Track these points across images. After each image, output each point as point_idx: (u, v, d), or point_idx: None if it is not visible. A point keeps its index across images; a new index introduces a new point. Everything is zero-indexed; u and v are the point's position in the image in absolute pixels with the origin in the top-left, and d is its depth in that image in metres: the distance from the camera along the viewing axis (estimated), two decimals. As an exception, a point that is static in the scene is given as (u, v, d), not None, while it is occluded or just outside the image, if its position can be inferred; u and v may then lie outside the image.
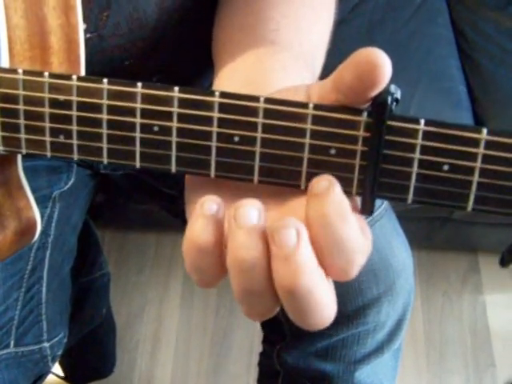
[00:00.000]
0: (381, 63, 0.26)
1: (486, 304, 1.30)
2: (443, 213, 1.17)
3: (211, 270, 0.29)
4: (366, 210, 0.30)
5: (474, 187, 0.28)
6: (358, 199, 0.31)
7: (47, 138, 0.32)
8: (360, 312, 0.62)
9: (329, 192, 0.27)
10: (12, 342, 0.58)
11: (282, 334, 0.68)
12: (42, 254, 0.62)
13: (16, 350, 0.58)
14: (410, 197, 0.29)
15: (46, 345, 0.61)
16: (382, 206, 0.63)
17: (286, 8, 0.43)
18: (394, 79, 0.28)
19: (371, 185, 0.29)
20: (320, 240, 0.27)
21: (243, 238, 0.27)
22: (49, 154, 0.33)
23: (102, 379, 1.11)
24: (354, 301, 0.62)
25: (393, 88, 0.28)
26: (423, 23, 1.12)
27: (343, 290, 0.61)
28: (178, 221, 0.74)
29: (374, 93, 0.28)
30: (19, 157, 0.43)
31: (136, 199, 0.99)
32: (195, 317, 1.27)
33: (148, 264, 1.34)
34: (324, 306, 0.27)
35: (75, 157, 0.33)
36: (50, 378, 1.11)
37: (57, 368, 1.11)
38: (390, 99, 0.28)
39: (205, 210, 0.28)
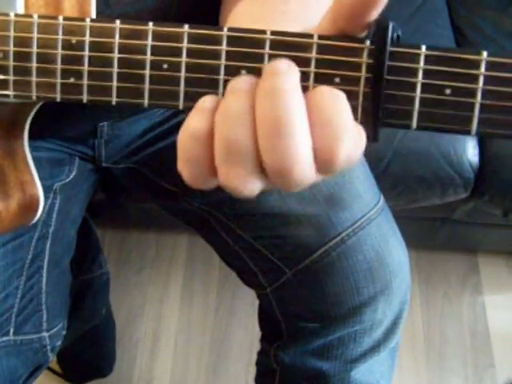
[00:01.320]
0: None
1: (485, 305, 1.30)
2: (443, 213, 1.17)
3: (203, 160, 0.29)
4: (371, 137, 0.30)
5: (476, 109, 0.29)
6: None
7: (58, 80, 0.33)
8: (356, 311, 0.62)
9: None
10: (11, 330, 0.58)
11: (279, 332, 0.68)
12: (43, 244, 0.62)
13: (15, 338, 0.58)
14: (414, 122, 0.30)
15: (46, 334, 0.62)
16: (379, 205, 0.63)
17: None
18: (401, 37, 0.30)
19: (376, 111, 0.29)
20: (312, 107, 0.28)
21: (233, 97, 0.29)
22: (58, 96, 0.34)
23: (102, 378, 1.12)
24: (351, 299, 0.62)
25: (393, 23, 0.29)
26: (423, 23, 1.12)
27: (339, 289, 0.61)
28: (178, 220, 0.75)
29: (375, 12, 0.28)
30: (26, 133, 0.44)
31: (136, 197, 1.00)
32: (195, 316, 1.27)
33: (148, 263, 1.34)
34: (301, 157, 0.28)
35: (85, 98, 0.33)
36: (51, 376, 1.11)
37: (57, 367, 1.11)
38: (391, 26, 0.28)
39: (203, 104, 0.30)
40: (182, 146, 0.30)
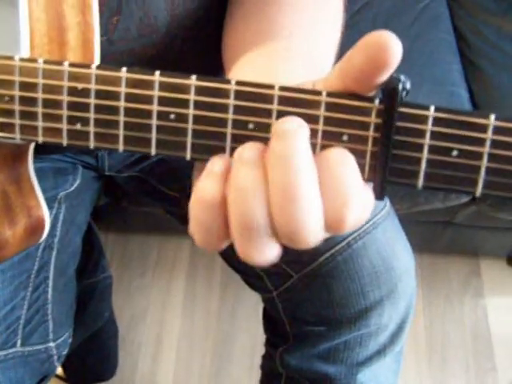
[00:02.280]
0: (392, 44, 0.27)
1: (487, 308, 1.30)
2: (445, 217, 1.17)
3: (216, 227, 0.29)
4: (377, 195, 0.30)
5: (482, 172, 0.29)
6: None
7: (64, 126, 0.33)
8: (362, 314, 0.62)
9: None
10: (19, 342, 0.58)
11: (285, 336, 0.69)
12: (48, 255, 0.62)
13: (23, 349, 0.58)
14: (421, 182, 0.30)
15: (52, 344, 0.62)
16: (385, 209, 0.63)
17: (298, 16, 0.44)
18: (409, 91, 0.29)
19: (382, 170, 0.30)
20: (321, 171, 0.28)
21: (244, 169, 0.28)
22: (65, 142, 0.34)
23: (104, 382, 1.11)
24: (357, 303, 0.62)
25: (402, 77, 0.29)
26: (425, 28, 1.12)
27: (346, 293, 0.61)
28: (181, 224, 0.75)
29: (384, 76, 0.28)
30: (30, 156, 0.44)
31: (139, 202, 1.00)
32: (197, 320, 1.27)
33: (150, 267, 1.34)
34: (311, 221, 0.28)
35: (91, 145, 0.33)
36: (53, 380, 1.11)
37: (59, 370, 1.11)
38: (400, 86, 0.28)
39: (213, 168, 0.29)
40: (194, 212, 0.29)
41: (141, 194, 0.75)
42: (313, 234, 0.28)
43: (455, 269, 1.35)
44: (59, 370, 1.11)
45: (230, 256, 0.71)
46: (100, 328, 0.97)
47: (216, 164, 0.30)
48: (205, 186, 0.29)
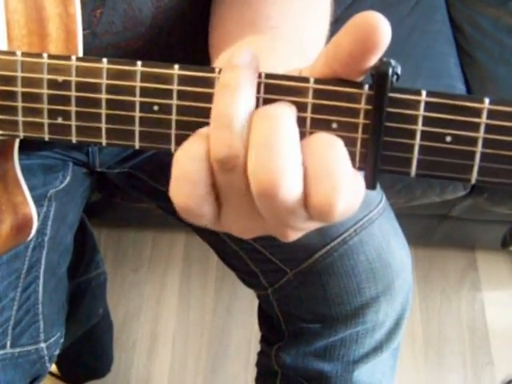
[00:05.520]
0: (381, 24, 0.26)
1: (484, 301, 1.30)
2: (441, 210, 1.17)
3: (202, 178, 0.28)
4: (369, 184, 0.29)
5: (477, 158, 0.28)
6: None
7: (45, 120, 0.32)
8: (358, 311, 0.62)
9: None
10: (8, 343, 0.57)
11: (280, 333, 0.68)
12: (39, 254, 0.61)
13: (13, 350, 0.57)
14: (414, 170, 0.29)
15: (43, 345, 0.61)
16: (381, 205, 0.63)
17: (283, 6, 0.43)
18: (400, 76, 0.28)
19: (374, 158, 0.28)
20: (306, 160, 0.27)
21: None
22: (47, 136, 0.33)
23: (99, 379, 1.11)
24: (353, 300, 0.61)
25: (393, 61, 0.27)
26: (421, 20, 1.11)
27: (341, 290, 0.61)
28: (174, 219, 0.74)
29: (374, 58, 0.27)
30: (15, 153, 0.43)
31: (132, 197, 0.99)
32: (192, 316, 1.27)
33: (145, 263, 1.33)
34: (290, 191, 0.26)
35: (73, 139, 0.32)
36: (48, 378, 1.10)
37: (53, 368, 1.10)
38: (390, 70, 0.27)
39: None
40: (180, 164, 0.29)
41: (133, 189, 0.74)
42: (291, 192, 0.27)
43: (452, 262, 1.34)
44: (54, 368, 1.10)
45: (226, 253, 0.70)
46: (95, 325, 0.97)
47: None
48: (191, 141, 0.29)
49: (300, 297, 0.63)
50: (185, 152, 0.28)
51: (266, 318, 0.74)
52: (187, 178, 0.28)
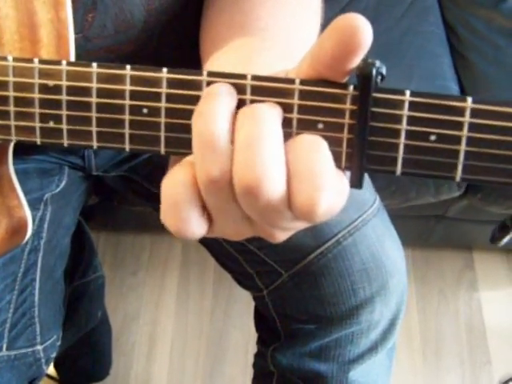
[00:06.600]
0: (362, 26, 0.26)
1: (481, 301, 1.30)
2: (437, 211, 1.17)
3: (192, 200, 0.29)
4: (355, 183, 0.30)
5: (461, 156, 0.28)
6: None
7: (37, 124, 0.33)
8: (353, 312, 0.62)
9: None
10: (4, 346, 0.57)
11: (276, 334, 0.68)
12: (35, 257, 0.61)
13: (9, 353, 0.58)
14: (399, 168, 0.29)
15: (39, 347, 0.61)
16: (374, 206, 0.63)
17: (274, 8, 0.43)
18: (385, 77, 0.29)
19: (359, 158, 0.29)
20: (290, 160, 0.27)
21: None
22: (38, 140, 0.33)
23: (98, 382, 1.11)
24: (347, 301, 0.62)
25: (377, 62, 0.28)
26: (415, 21, 1.12)
27: (336, 290, 0.61)
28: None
29: (357, 60, 0.27)
30: (10, 157, 0.43)
31: (129, 200, 0.99)
32: (191, 318, 1.27)
33: (143, 266, 1.34)
34: (272, 192, 0.27)
35: (65, 142, 0.33)
36: (46, 381, 1.11)
37: (52, 371, 1.10)
38: (374, 71, 0.28)
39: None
40: (168, 191, 0.29)
41: (129, 193, 0.75)
42: (274, 191, 0.27)
43: (448, 263, 1.35)
44: (52, 371, 1.10)
45: (221, 255, 0.71)
46: (93, 328, 0.97)
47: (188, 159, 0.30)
48: (175, 169, 0.29)
49: (295, 298, 0.64)
50: (171, 180, 0.29)
51: (261, 320, 0.74)
52: (176, 204, 0.29)
